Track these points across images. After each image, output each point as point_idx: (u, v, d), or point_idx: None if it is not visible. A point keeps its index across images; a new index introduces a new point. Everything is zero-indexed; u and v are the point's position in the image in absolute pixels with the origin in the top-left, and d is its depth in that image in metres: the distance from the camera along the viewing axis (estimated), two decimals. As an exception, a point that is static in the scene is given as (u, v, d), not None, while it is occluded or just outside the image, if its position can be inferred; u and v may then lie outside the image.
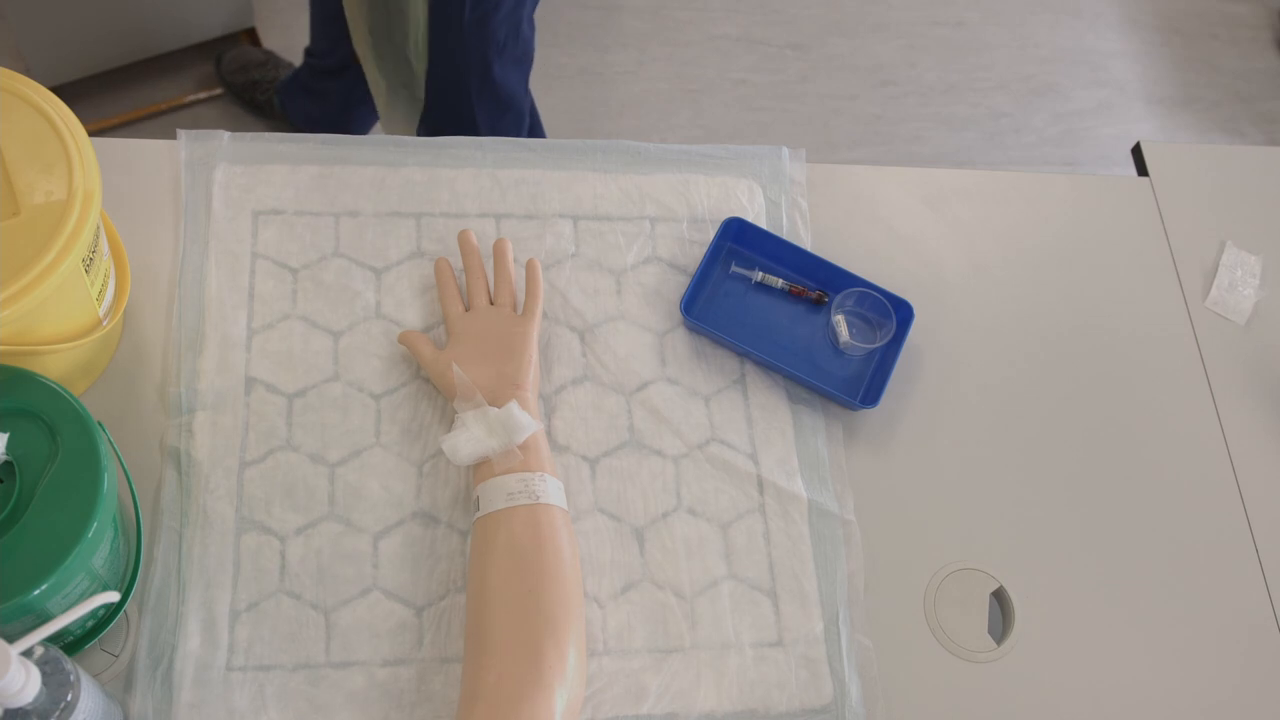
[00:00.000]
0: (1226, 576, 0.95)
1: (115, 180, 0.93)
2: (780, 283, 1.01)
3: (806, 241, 1.04)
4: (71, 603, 0.71)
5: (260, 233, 0.95)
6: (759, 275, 1.01)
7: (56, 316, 0.79)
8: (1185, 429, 1.02)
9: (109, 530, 0.72)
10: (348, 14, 1.42)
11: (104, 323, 0.85)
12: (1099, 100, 2.50)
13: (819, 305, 1.01)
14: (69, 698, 0.63)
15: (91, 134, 0.79)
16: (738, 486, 0.91)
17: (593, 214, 1.02)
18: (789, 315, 1.01)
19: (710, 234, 1.02)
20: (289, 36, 2.14)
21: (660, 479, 0.91)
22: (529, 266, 0.95)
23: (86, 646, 0.77)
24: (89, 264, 0.78)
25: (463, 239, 0.96)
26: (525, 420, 0.83)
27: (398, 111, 1.52)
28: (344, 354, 0.92)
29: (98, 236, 0.80)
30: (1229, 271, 1.11)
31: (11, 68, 0.81)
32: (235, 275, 0.93)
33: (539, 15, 1.53)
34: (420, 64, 1.44)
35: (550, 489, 0.81)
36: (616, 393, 0.94)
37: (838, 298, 1.00)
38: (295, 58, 2.04)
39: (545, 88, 2.12)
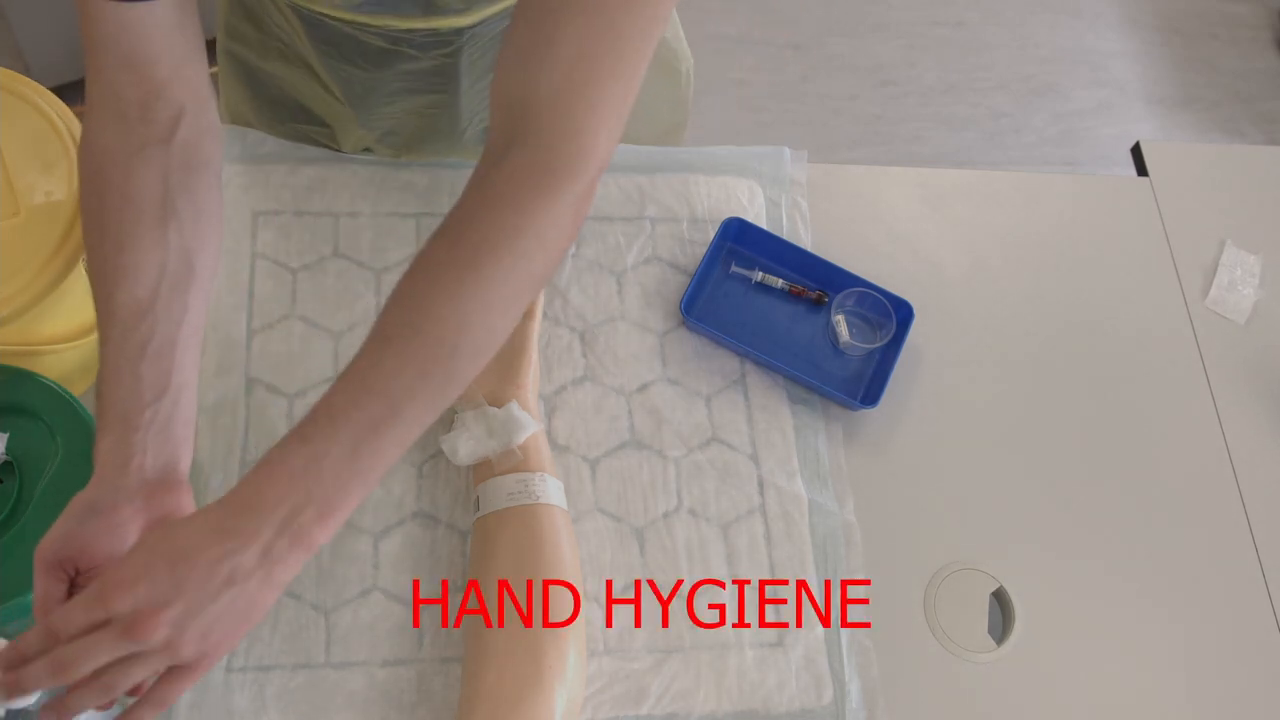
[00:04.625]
0: (1226, 576, 0.95)
1: (115, 180, 0.93)
2: (780, 283, 1.01)
3: (806, 241, 1.04)
4: (71, 603, 0.70)
5: (260, 233, 0.95)
6: (759, 275, 1.01)
7: (56, 316, 0.79)
8: (1185, 428, 1.02)
9: (109, 530, 0.72)
10: None
11: (104, 323, 0.85)
12: (1099, 100, 2.50)
13: (819, 305, 1.01)
14: (69, 698, 0.63)
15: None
16: (738, 487, 0.91)
17: (593, 214, 1.02)
18: (789, 315, 1.01)
19: (710, 234, 1.02)
20: (289, 36, 2.14)
21: (661, 479, 0.91)
22: (529, 267, 0.95)
23: (86, 647, 0.77)
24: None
25: (462, 239, 0.96)
26: (525, 420, 0.83)
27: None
28: (344, 355, 0.92)
29: (98, 237, 0.80)
30: (1229, 271, 1.11)
31: (11, 68, 0.81)
32: (235, 275, 0.93)
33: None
34: None
35: (550, 489, 0.81)
36: (617, 393, 0.94)
37: (838, 298, 1.00)
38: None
39: (545, 88, 2.12)
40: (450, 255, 0.61)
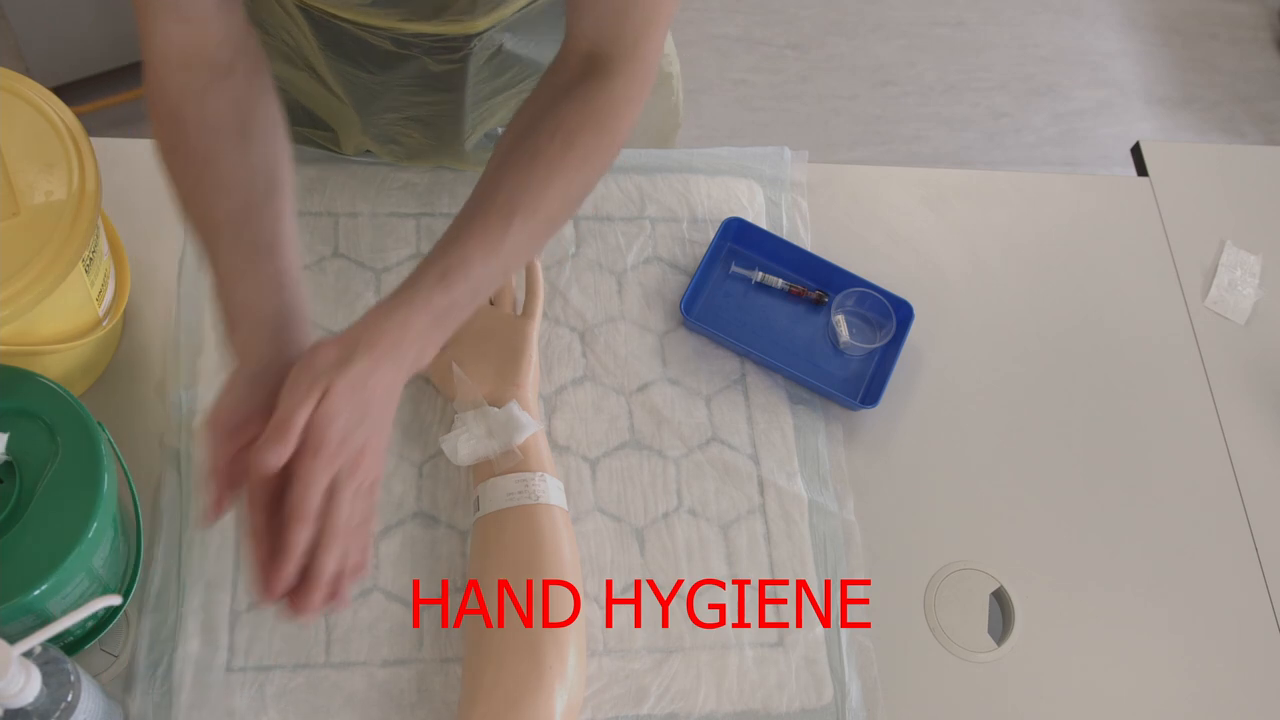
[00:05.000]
0: (1226, 576, 0.95)
1: (115, 180, 0.93)
2: (780, 283, 1.01)
3: (806, 241, 1.04)
4: (72, 603, 0.71)
5: (260, 233, 0.95)
6: (759, 275, 1.01)
7: (56, 316, 0.79)
8: (1185, 428, 1.02)
9: (109, 530, 0.72)
10: None
11: (104, 323, 0.85)
12: (1099, 100, 2.50)
13: (819, 305, 1.01)
14: (69, 698, 0.63)
15: (90, 125, 0.79)
16: (738, 487, 0.91)
17: (593, 214, 1.02)
18: (789, 315, 1.01)
19: (710, 234, 1.02)
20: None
21: (661, 479, 0.91)
22: (529, 267, 0.95)
23: (86, 647, 0.77)
24: (89, 264, 0.79)
25: (463, 239, 0.96)
26: (525, 420, 0.83)
27: None
28: (344, 354, 0.91)
29: (98, 236, 0.80)
30: (1229, 271, 1.11)
31: (11, 68, 0.81)
32: (235, 275, 0.93)
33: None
34: None
35: (550, 489, 0.81)
36: (617, 393, 0.94)
37: (838, 298, 1.00)
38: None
39: (545, 88, 2.12)
40: (564, 155, 0.73)
